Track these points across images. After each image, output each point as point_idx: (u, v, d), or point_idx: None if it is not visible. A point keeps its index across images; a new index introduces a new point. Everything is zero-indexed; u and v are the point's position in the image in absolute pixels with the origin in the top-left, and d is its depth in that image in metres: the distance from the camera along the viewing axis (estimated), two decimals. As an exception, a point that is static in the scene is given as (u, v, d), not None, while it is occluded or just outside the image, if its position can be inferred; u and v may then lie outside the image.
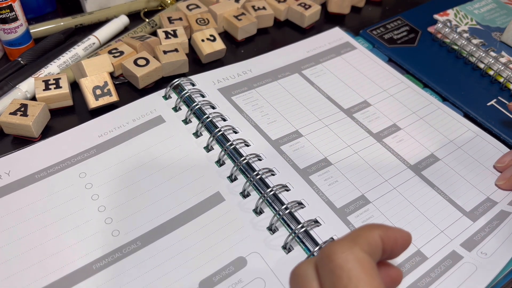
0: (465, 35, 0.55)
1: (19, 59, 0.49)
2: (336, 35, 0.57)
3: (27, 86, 0.45)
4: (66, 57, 0.49)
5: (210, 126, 0.43)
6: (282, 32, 0.59)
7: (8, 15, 0.46)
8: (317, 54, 0.54)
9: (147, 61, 0.47)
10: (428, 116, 0.48)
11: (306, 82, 0.50)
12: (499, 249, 0.36)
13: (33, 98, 0.46)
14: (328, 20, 0.61)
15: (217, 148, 0.42)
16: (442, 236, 0.37)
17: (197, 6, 0.56)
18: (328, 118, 0.46)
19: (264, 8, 0.57)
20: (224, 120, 0.44)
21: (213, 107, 0.45)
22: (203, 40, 0.51)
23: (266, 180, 0.39)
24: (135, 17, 0.58)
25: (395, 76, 0.52)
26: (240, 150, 0.41)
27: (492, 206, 0.40)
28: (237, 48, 0.56)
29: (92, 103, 0.44)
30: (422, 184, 0.41)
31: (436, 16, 0.58)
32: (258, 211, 0.37)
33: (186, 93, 0.45)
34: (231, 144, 0.41)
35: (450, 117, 0.48)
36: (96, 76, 0.45)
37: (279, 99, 0.47)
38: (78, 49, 0.50)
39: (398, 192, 0.40)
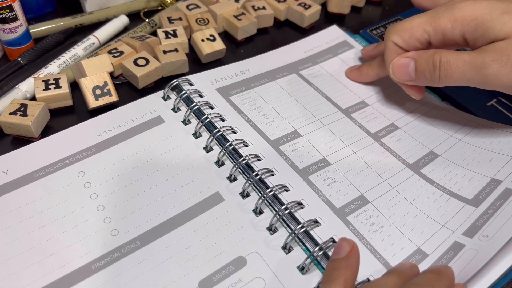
0: (465, 35, 0.55)
1: (19, 59, 0.49)
2: (333, 34, 0.57)
3: (27, 86, 0.45)
4: (66, 57, 0.49)
5: (209, 127, 0.43)
6: (282, 32, 0.59)
7: (8, 15, 0.46)
8: (315, 54, 0.54)
9: (147, 61, 0.47)
10: (426, 114, 0.48)
11: (304, 82, 0.50)
12: (501, 229, 0.35)
13: (33, 98, 0.46)
14: (328, 20, 0.61)
15: (216, 149, 0.42)
16: (443, 230, 0.37)
17: (197, 6, 0.56)
18: (327, 118, 0.46)
19: (264, 8, 0.57)
20: (223, 120, 0.44)
21: (212, 107, 0.45)
22: (203, 40, 0.51)
23: (266, 180, 0.39)
24: (135, 17, 0.58)
25: None
26: (239, 150, 0.41)
27: (497, 186, 0.40)
28: (237, 48, 0.56)
29: (92, 103, 0.44)
30: (421, 182, 0.41)
31: (436, 16, 0.58)
32: (257, 212, 0.37)
33: (184, 93, 0.45)
34: (230, 145, 0.41)
35: (448, 113, 0.48)
36: (96, 76, 0.45)
37: (277, 99, 0.47)
38: (78, 49, 0.50)
39: (397, 191, 0.40)
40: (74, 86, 0.48)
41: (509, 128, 0.45)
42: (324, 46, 0.55)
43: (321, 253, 0.34)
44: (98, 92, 0.45)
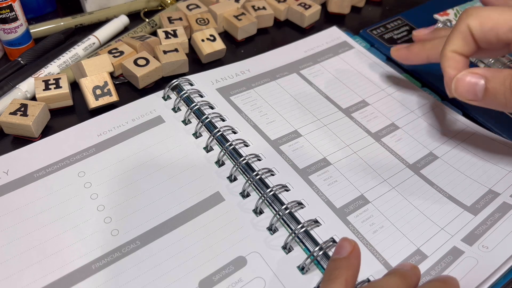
0: (465, 35, 0.55)
1: (19, 59, 0.49)
2: (333, 34, 0.57)
3: (27, 86, 0.45)
4: (66, 57, 0.49)
5: (210, 127, 0.43)
6: (282, 32, 0.59)
7: (8, 15, 0.46)
8: (315, 53, 0.54)
9: (147, 61, 0.47)
10: (426, 114, 0.48)
11: (304, 82, 0.50)
12: (501, 243, 0.36)
13: (33, 98, 0.46)
14: (328, 20, 0.61)
15: (216, 149, 0.42)
16: (442, 233, 0.37)
17: (197, 6, 0.56)
18: (327, 117, 0.46)
19: (264, 8, 0.57)
20: (223, 120, 0.44)
21: (212, 107, 0.45)
22: (203, 40, 0.51)
23: (266, 180, 0.39)
24: (135, 17, 0.58)
25: (393, 75, 0.52)
26: (240, 150, 0.41)
27: (495, 198, 0.40)
28: (237, 48, 0.56)
29: (92, 103, 0.44)
30: (421, 183, 0.41)
31: (436, 16, 0.58)
32: (258, 211, 0.37)
33: (185, 93, 0.45)
34: (231, 145, 0.41)
35: (448, 115, 0.48)
36: (96, 76, 0.45)
37: (277, 99, 0.47)
38: (78, 49, 0.50)
39: (397, 191, 0.40)
40: (74, 86, 0.48)
41: (505, 141, 0.45)
42: (325, 46, 0.55)
43: (321, 253, 0.34)
44: (98, 92, 0.45)
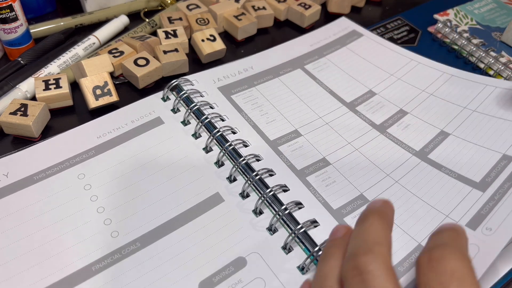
0: (465, 35, 0.55)
1: (19, 59, 0.49)
2: (342, 25, 0.56)
3: (27, 86, 0.45)
4: (66, 57, 0.49)
5: (209, 127, 0.43)
6: (282, 32, 0.59)
7: (8, 15, 0.46)
8: (321, 47, 0.53)
9: (147, 61, 0.47)
10: (440, 89, 0.46)
11: (308, 77, 0.49)
12: (505, 221, 0.35)
13: (33, 98, 0.46)
14: (328, 20, 0.61)
15: (216, 149, 0.42)
16: (447, 221, 0.36)
17: (197, 6, 0.56)
18: (329, 115, 0.46)
19: (264, 8, 0.57)
20: (223, 120, 0.44)
21: (212, 107, 0.45)
22: (203, 40, 0.51)
23: (265, 180, 0.39)
24: (135, 17, 0.58)
25: (405, 55, 0.51)
26: (239, 150, 0.41)
27: (507, 164, 0.39)
28: (237, 48, 0.56)
29: (92, 103, 0.44)
30: (428, 169, 0.40)
31: (436, 16, 0.58)
32: (257, 212, 0.37)
33: (184, 93, 0.45)
34: (230, 145, 0.41)
35: (464, 81, 0.46)
36: (96, 76, 0.45)
37: (279, 97, 0.47)
38: (78, 49, 0.50)
39: (400, 185, 0.39)
40: (74, 86, 0.48)
41: None
42: (332, 38, 0.54)
43: (320, 253, 0.34)
44: (98, 92, 0.45)
